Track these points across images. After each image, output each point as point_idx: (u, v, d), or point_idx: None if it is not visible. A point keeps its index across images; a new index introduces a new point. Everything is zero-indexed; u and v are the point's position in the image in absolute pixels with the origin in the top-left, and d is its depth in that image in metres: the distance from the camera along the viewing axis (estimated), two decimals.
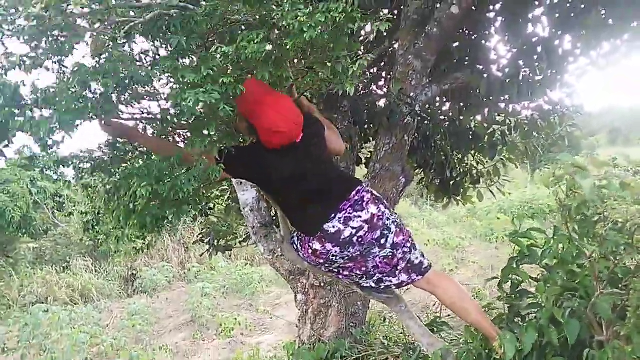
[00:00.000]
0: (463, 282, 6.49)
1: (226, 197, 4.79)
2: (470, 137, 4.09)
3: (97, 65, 1.72)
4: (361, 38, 3.80)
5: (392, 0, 3.73)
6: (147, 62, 1.89)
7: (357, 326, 3.61)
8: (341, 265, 2.15)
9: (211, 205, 4.81)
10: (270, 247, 3.79)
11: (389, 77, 4.13)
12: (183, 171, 1.79)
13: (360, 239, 2.04)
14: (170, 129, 2.22)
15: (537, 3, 3.70)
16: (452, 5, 3.21)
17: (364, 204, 2.07)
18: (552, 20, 3.68)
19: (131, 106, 1.98)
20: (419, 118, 3.70)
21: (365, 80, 4.34)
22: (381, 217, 2.08)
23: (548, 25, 3.71)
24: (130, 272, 9.56)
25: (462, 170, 4.38)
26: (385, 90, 4.24)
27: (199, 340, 6.26)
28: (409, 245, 2.16)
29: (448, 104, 4.32)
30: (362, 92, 4.25)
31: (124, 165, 2.11)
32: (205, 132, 1.82)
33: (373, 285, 2.20)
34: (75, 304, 7.88)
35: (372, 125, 3.96)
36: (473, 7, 3.45)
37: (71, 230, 10.70)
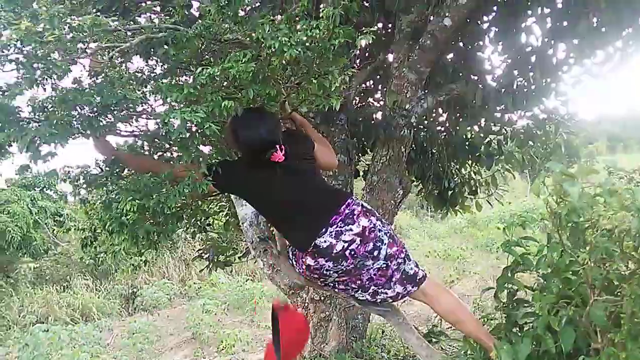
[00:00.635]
0: (465, 294, 6.45)
1: (225, 213, 4.79)
2: (467, 147, 4.11)
3: (94, 85, 1.77)
4: (356, 52, 3.84)
5: (386, 14, 3.77)
6: (139, 82, 1.92)
7: (357, 340, 3.60)
8: (336, 280, 2.14)
9: (210, 221, 4.81)
10: (269, 262, 3.77)
11: (384, 89, 4.16)
12: (171, 187, 1.82)
13: (352, 252, 2.03)
14: (164, 148, 2.25)
15: (529, 12, 3.74)
16: (445, 17, 3.25)
17: (355, 217, 2.05)
18: (544, 30, 3.71)
19: (128, 124, 2.02)
20: (415, 129, 3.72)
21: (362, 93, 4.37)
22: (373, 229, 2.07)
23: (541, 35, 3.74)
24: (131, 290, 9.52)
25: (459, 180, 4.39)
26: (381, 102, 4.27)
27: (200, 357, 6.20)
28: (402, 256, 2.15)
29: (444, 115, 4.35)
30: (358, 105, 4.28)
31: (121, 181, 2.14)
32: (193, 149, 1.85)
33: (369, 298, 2.19)
34: (75, 323, 7.83)
35: (369, 138, 3.98)
36: (467, 19, 3.49)
37: (71, 249, 10.69)
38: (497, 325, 2.05)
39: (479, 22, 3.88)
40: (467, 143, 4.12)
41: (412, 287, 2.15)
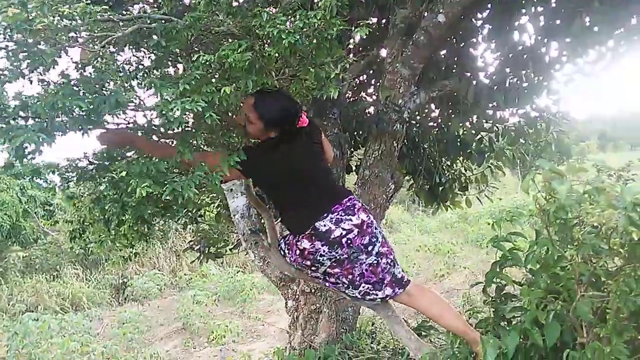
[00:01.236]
0: (454, 288, 6.52)
1: (216, 204, 4.79)
2: (459, 143, 4.13)
3: (83, 80, 1.75)
4: (350, 46, 3.84)
5: (380, 9, 3.78)
6: (128, 75, 1.91)
7: (347, 332, 3.62)
8: (327, 270, 2.17)
9: (201, 212, 4.81)
10: (260, 254, 3.79)
11: (377, 84, 4.17)
12: (178, 174, 1.83)
13: (349, 241, 2.10)
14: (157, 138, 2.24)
15: (523, 11, 3.76)
16: (439, 14, 3.26)
17: (355, 209, 2.15)
18: (537, 28, 3.73)
19: (116, 116, 2.01)
20: (408, 125, 3.74)
21: (355, 88, 4.38)
22: (370, 225, 2.17)
23: (534, 33, 3.77)
24: (121, 280, 9.51)
25: (450, 176, 4.42)
26: (374, 97, 4.29)
27: (190, 348, 6.23)
28: (392, 257, 2.25)
29: (436, 111, 4.37)
30: (351, 99, 4.29)
31: (109, 174, 2.13)
32: (193, 141, 1.85)
33: (359, 296, 2.26)
34: (65, 313, 7.82)
35: (361, 132, 3.99)
36: (461, 15, 3.50)
37: (61, 238, 10.64)
38: (484, 318, 2.08)
39: (473, 19, 3.89)
40: (458, 139, 4.14)
41: (399, 290, 2.25)
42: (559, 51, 3.78)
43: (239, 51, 1.72)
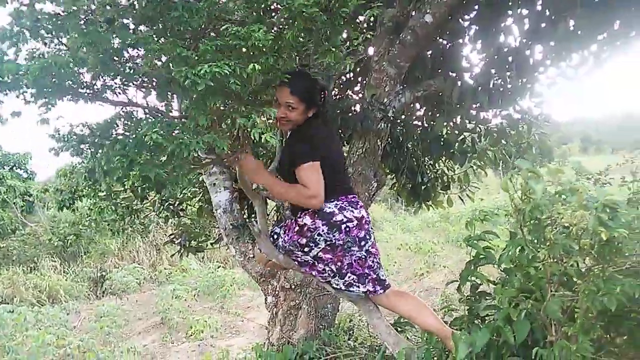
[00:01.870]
0: (433, 286, 6.57)
1: (198, 199, 4.77)
2: (442, 143, 4.15)
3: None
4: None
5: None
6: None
7: (326, 328, 3.63)
8: (319, 254, 2.25)
9: (183, 206, 4.78)
10: (241, 249, 3.79)
11: (363, 82, 4.17)
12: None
13: (347, 229, 2.22)
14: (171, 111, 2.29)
15: (509, 13, 3.79)
16: (427, 14, 3.27)
17: (358, 205, 2.31)
18: (522, 31, 3.77)
19: (117, 94, 2.06)
20: (392, 124, 3.75)
21: (341, 85, 4.38)
22: (368, 222, 2.32)
23: (519, 36, 3.80)
24: (100, 274, 9.41)
25: (433, 175, 4.44)
26: (360, 95, 4.29)
27: (168, 342, 6.19)
28: (378, 259, 2.37)
29: (421, 110, 4.38)
30: (337, 96, 4.29)
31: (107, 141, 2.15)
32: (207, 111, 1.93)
33: (343, 287, 2.34)
34: (42, 305, 7.71)
35: (345, 130, 3.99)
36: (448, 16, 3.52)
37: (40, 230, 10.49)
38: (459, 317, 2.11)
39: (459, 19, 3.91)
40: (442, 139, 4.17)
41: (380, 289, 2.36)
42: (543, 54, 3.82)
43: (261, 32, 1.82)
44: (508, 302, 1.59)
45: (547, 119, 4.23)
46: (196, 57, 1.81)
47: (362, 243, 2.28)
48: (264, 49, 1.93)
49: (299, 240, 2.25)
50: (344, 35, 3.77)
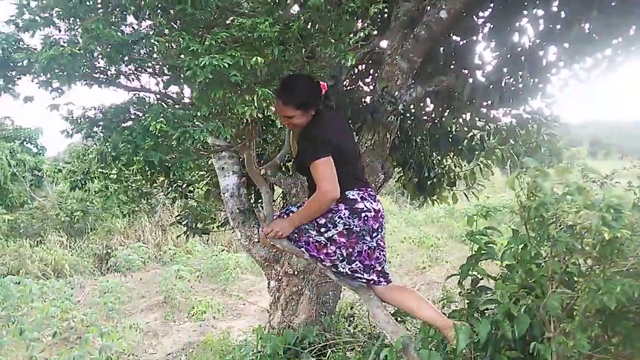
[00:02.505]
0: (435, 280, 6.62)
1: (205, 182, 4.82)
2: (450, 139, 4.17)
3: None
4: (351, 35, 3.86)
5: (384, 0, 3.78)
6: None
7: (326, 315, 3.69)
8: (334, 236, 2.33)
9: (191, 188, 4.84)
10: (247, 233, 3.86)
11: (375, 75, 4.19)
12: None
13: (365, 218, 2.32)
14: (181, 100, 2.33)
15: (524, 12, 3.79)
16: (442, 9, 3.29)
17: (376, 199, 2.43)
18: (537, 31, 3.77)
19: (130, 80, 2.09)
20: (402, 117, 3.78)
21: (352, 77, 4.40)
22: (382, 216, 2.43)
23: (533, 36, 3.80)
24: (105, 251, 9.52)
25: (439, 171, 4.47)
26: (370, 87, 4.31)
27: (170, 321, 6.29)
28: (385, 252, 2.46)
29: (431, 106, 4.40)
30: (348, 87, 4.31)
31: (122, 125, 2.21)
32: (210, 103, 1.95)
33: (348, 272, 2.40)
34: (47, 279, 7.83)
35: (355, 121, 4.02)
36: (463, 12, 3.53)
37: (47, 204, 10.60)
38: (458, 309, 2.15)
39: (474, 17, 3.92)
40: (450, 135, 4.19)
41: (383, 281, 2.45)
42: (557, 55, 3.82)
43: (267, 24, 1.87)
44: (509, 298, 1.63)
45: (557, 120, 4.24)
46: (205, 50, 1.83)
47: (374, 234, 2.37)
48: (270, 41, 1.97)
49: (317, 220, 2.32)
50: (358, 26, 3.80)
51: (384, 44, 3.79)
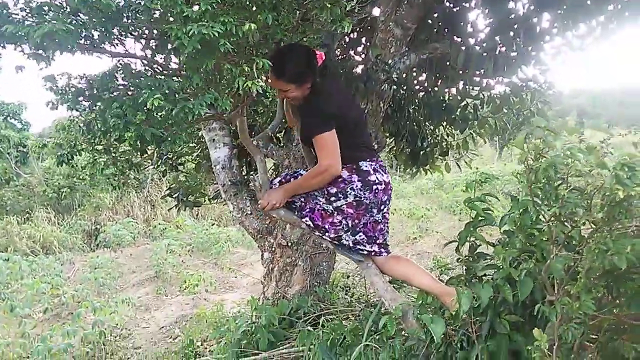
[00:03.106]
0: (426, 250, 6.67)
1: (196, 155, 4.76)
2: (443, 108, 4.13)
3: None
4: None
5: None
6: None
7: (321, 285, 3.70)
8: (342, 206, 2.31)
9: (181, 160, 4.77)
10: (239, 205, 3.82)
11: (368, 43, 4.12)
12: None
13: (376, 190, 2.31)
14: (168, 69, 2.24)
15: None
16: None
17: (386, 170, 2.42)
18: None
19: (114, 46, 2.00)
20: (395, 87, 3.72)
21: (344, 46, 4.32)
22: (391, 189, 2.42)
23: (527, 2, 3.75)
24: (94, 227, 9.45)
25: (432, 140, 4.44)
26: (363, 56, 4.23)
27: (162, 295, 6.28)
28: (387, 226, 2.49)
29: (424, 75, 4.34)
30: (340, 57, 4.24)
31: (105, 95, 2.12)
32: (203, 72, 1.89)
33: (351, 244, 2.41)
34: (36, 255, 7.76)
35: (348, 90, 3.96)
36: None
37: (34, 181, 10.46)
38: (456, 275, 2.15)
39: None
40: (443, 104, 4.15)
41: (383, 251, 2.47)
42: (550, 22, 3.78)
43: None
44: (509, 262, 1.63)
45: (552, 87, 4.21)
46: (198, 16, 1.75)
47: (382, 207, 2.38)
48: (264, 5, 1.90)
49: (328, 188, 2.30)
50: None
51: (376, 11, 3.72)
